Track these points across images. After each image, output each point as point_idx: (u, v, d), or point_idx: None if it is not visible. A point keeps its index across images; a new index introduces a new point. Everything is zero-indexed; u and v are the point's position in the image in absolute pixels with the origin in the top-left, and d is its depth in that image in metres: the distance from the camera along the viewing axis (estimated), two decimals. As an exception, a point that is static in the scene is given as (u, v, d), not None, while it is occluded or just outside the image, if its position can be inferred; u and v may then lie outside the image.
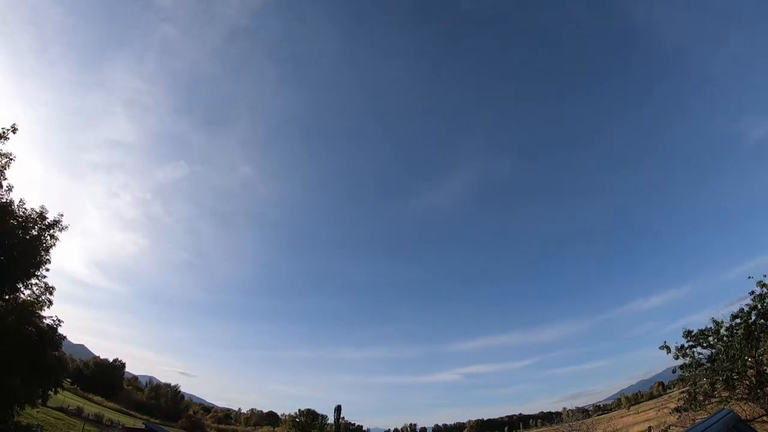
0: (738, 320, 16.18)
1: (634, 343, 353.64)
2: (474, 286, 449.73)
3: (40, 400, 20.24)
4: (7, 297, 20.20)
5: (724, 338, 16.38)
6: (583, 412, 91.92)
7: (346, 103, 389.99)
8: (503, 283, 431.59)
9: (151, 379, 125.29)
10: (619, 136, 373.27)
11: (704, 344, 17.06)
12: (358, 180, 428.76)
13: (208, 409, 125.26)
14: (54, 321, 21.11)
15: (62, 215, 21.04)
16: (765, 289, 15.65)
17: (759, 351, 15.19)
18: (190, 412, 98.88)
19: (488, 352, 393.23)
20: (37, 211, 20.29)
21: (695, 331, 17.27)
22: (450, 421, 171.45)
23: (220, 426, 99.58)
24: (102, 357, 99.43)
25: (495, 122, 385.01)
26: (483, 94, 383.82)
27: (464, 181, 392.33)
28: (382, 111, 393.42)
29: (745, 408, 15.28)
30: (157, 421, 72.11)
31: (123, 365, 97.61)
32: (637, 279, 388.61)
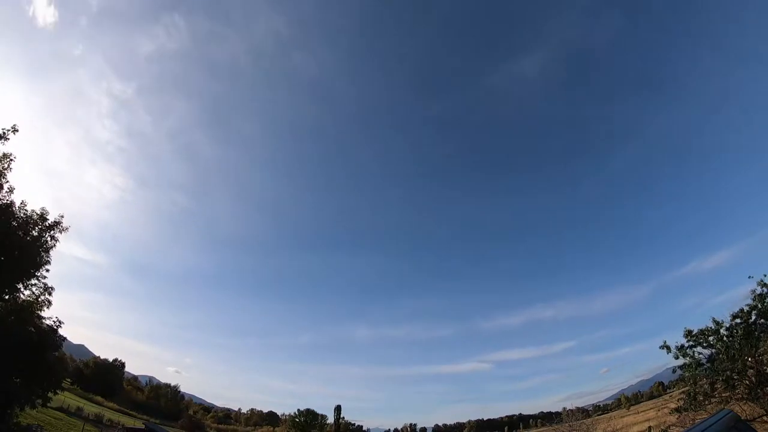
0: (738, 320, 16.20)
1: (681, 318, 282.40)
2: (533, 231, 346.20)
3: (39, 401, 20.20)
4: (6, 298, 20.21)
5: (724, 338, 16.40)
6: (583, 412, 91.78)
7: None
8: (562, 230, 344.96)
9: (151, 379, 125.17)
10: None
11: (704, 344, 17.07)
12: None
13: (208, 409, 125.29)
14: (54, 322, 21.12)
15: (62, 216, 21.10)
16: (765, 289, 15.67)
17: (759, 351, 15.22)
18: (190, 412, 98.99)
19: (531, 329, 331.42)
20: (38, 212, 20.34)
21: (695, 330, 17.30)
22: (462, 419, 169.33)
23: (220, 426, 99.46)
24: (102, 357, 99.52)
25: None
26: None
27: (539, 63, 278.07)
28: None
29: (745, 408, 15.30)
30: (157, 421, 72.04)
31: (123, 365, 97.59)
32: (704, 231, 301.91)
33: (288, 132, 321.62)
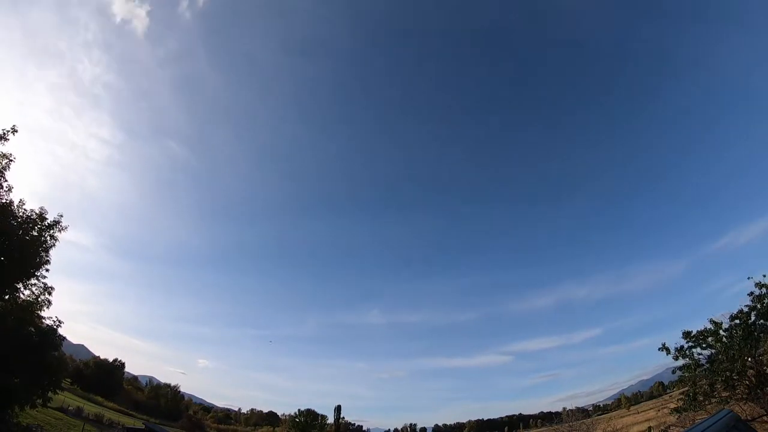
0: (737, 321, 16.22)
1: (711, 301, 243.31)
2: (566, 195, 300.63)
3: (40, 401, 20.21)
4: (6, 297, 20.22)
5: (723, 339, 16.41)
6: (583, 412, 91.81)
7: None
8: (598, 193, 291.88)
9: (151, 379, 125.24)
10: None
11: (703, 345, 17.10)
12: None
13: (208, 409, 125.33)
14: (54, 322, 21.12)
15: (62, 215, 21.09)
16: (764, 290, 15.68)
17: (758, 351, 15.23)
18: (190, 412, 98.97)
19: (561, 311, 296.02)
20: (37, 211, 20.34)
21: (694, 332, 17.33)
22: (474, 417, 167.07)
23: (220, 426, 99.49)
24: (102, 357, 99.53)
25: None
26: None
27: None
28: None
29: (745, 408, 15.31)
30: (157, 421, 72.08)
31: (123, 365, 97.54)
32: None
33: (306, 55, 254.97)
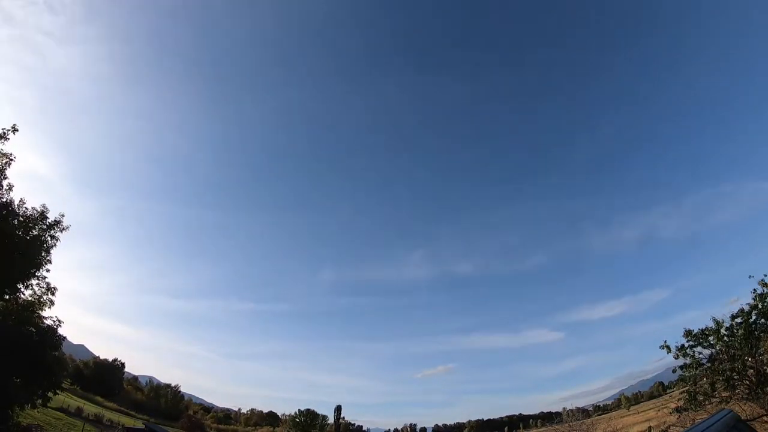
0: (738, 320, 16.21)
1: None
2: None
3: (39, 401, 20.20)
4: (7, 297, 20.20)
5: (725, 338, 16.41)
6: (583, 412, 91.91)
7: None
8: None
9: (151, 379, 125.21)
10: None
11: (704, 344, 17.08)
12: None
13: (208, 409, 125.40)
14: (54, 321, 21.12)
15: (63, 215, 21.05)
16: (766, 289, 15.67)
17: (759, 351, 15.22)
18: (190, 412, 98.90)
19: (642, 247, 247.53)
20: (38, 210, 20.29)
21: (695, 330, 17.32)
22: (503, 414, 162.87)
23: (220, 426, 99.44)
24: (102, 357, 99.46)
25: None
26: None
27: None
28: None
29: (745, 408, 15.28)
30: (157, 421, 72.02)
31: (123, 365, 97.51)
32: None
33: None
